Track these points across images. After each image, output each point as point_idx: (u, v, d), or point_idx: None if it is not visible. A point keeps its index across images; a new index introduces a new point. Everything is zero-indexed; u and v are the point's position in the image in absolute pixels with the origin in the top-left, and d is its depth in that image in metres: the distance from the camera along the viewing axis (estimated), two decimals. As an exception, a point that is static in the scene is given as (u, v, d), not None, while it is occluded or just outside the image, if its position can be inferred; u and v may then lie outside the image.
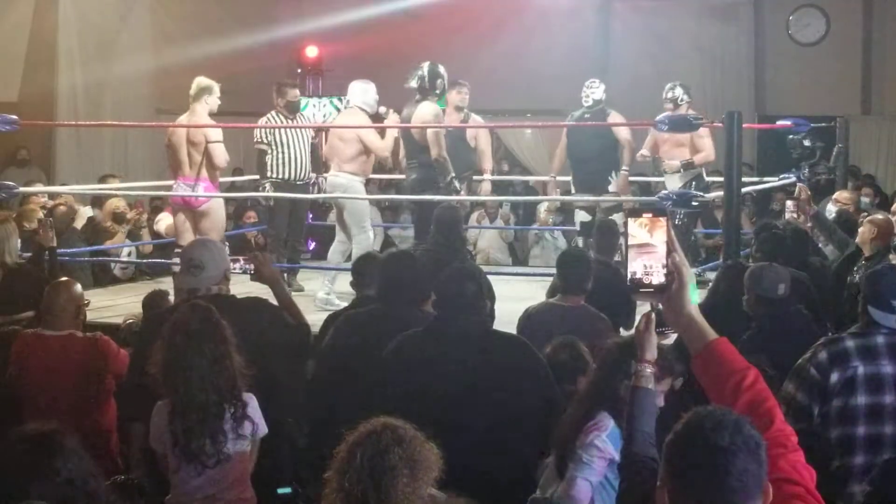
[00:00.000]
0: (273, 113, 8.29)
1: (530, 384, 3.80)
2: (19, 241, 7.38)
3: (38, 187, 9.71)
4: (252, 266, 4.62)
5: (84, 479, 2.67)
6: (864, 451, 3.56)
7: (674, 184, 8.19)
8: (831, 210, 7.53)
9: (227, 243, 7.23)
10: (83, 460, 2.71)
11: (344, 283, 6.39)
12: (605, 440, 3.28)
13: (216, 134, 7.17)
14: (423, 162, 7.48)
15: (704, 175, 8.44)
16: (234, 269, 4.63)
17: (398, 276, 4.33)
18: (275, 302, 4.45)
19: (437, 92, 7.72)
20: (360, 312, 4.56)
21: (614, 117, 8.41)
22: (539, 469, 3.58)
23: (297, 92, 8.62)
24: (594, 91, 8.49)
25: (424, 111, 7.51)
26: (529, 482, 3.60)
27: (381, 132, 7.72)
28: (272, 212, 8.41)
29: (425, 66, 7.64)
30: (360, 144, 7.54)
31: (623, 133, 8.41)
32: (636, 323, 2.64)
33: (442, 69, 7.76)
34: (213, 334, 3.66)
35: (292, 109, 8.37)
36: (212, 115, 7.30)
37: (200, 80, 7.33)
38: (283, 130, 8.11)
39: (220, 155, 7.14)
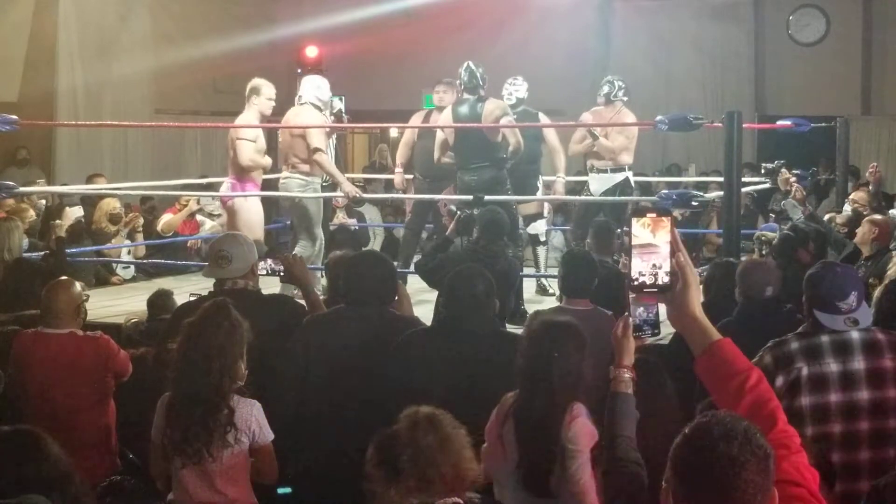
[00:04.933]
0: None
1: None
2: (26, 239, 7.42)
3: (38, 187, 9.68)
4: (282, 267, 4.61)
5: (69, 470, 2.67)
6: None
7: (597, 185, 8.01)
8: (847, 209, 7.46)
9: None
10: (61, 453, 2.70)
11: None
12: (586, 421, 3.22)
13: (245, 133, 7.18)
14: (496, 160, 7.12)
15: (631, 178, 8.14)
16: (262, 269, 4.58)
17: (364, 275, 4.22)
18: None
19: (485, 88, 7.34)
20: (326, 313, 4.43)
21: (543, 118, 8.08)
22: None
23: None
24: (517, 89, 7.96)
25: (493, 108, 7.18)
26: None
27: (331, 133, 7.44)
28: None
29: (470, 64, 7.29)
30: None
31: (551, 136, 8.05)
32: (614, 328, 2.61)
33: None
34: (224, 335, 3.62)
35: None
36: (263, 116, 7.30)
37: (253, 82, 7.33)
38: None
39: (243, 153, 7.14)
